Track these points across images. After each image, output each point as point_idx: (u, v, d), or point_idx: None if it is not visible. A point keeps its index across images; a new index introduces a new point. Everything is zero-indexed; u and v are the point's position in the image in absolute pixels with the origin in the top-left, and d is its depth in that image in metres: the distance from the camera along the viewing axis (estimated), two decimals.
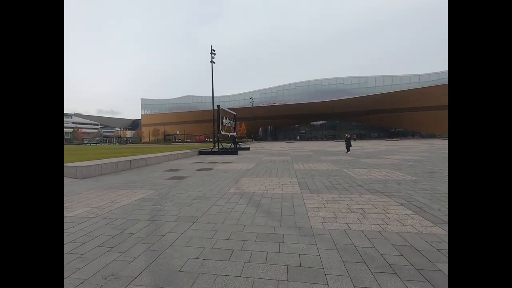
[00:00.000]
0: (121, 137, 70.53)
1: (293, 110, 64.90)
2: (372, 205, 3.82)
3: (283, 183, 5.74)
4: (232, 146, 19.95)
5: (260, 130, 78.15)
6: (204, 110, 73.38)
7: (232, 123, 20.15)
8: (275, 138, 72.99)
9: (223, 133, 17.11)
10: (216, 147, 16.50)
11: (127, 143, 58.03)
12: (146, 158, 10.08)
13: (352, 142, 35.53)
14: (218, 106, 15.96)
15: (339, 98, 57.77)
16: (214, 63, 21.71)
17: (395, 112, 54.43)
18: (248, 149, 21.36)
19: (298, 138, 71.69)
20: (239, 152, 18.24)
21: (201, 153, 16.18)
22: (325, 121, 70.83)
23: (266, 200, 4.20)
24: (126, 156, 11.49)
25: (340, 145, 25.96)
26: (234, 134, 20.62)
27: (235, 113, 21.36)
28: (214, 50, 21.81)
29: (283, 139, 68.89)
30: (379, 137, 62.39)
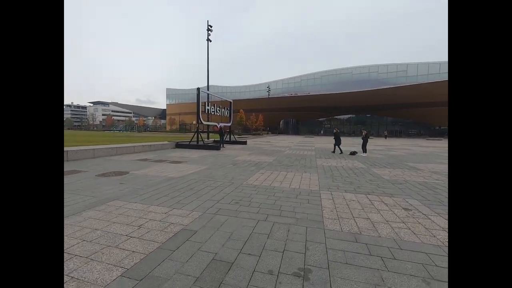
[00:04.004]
0: (139, 126, 72.59)
1: (316, 101, 59.00)
2: None
3: (152, 226, 2.51)
4: (236, 139, 16.95)
5: (281, 123, 73.78)
6: (223, 100, 71.52)
7: (225, 112, 17.05)
8: (297, 131, 67.94)
9: (205, 123, 14.14)
10: (196, 140, 13.55)
11: (145, 131, 59.11)
12: (67, 151, 7.61)
13: (382, 140, 29.74)
14: (198, 89, 12.92)
15: (371, 89, 50.41)
16: (211, 41, 18.63)
17: (439, 106, 45.32)
18: (245, 143, 18.15)
19: (322, 132, 65.58)
20: (227, 146, 15.17)
21: (178, 146, 13.49)
22: (354, 115, 63.41)
23: None
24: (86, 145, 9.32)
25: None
26: (227, 125, 17.54)
27: (231, 101, 18.19)
28: (211, 26, 18.69)
29: (305, 133, 63.67)
30: (418, 135, 53.36)
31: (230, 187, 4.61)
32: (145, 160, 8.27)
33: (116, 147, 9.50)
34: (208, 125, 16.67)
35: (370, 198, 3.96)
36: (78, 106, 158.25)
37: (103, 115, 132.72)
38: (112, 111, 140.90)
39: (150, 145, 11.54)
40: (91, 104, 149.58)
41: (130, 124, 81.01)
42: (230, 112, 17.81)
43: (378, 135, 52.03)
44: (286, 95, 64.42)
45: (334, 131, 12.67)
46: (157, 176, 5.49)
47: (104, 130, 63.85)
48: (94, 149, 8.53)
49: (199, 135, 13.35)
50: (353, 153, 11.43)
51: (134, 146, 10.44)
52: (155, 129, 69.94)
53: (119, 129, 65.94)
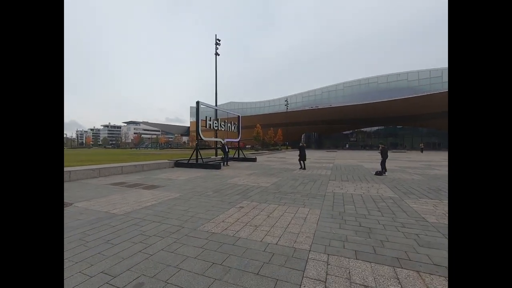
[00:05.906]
0: (161, 143, 75.65)
1: (339, 113, 55.62)
2: None
3: None
4: (244, 156, 15.54)
5: (302, 137, 70.91)
6: (229, 115, 71.50)
7: (232, 128, 15.81)
8: (319, 146, 64.41)
9: (206, 139, 12.94)
10: (196, 158, 12.28)
11: (167, 148, 61.07)
12: None
13: (418, 155, 25.74)
14: (197, 102, 11.90)
15: (400, 97, 46.03)
16: (219, 55, 18.06)
17: None
18: (254, 160, 16.54)
19: (347, 146, 61.17)
20: (233, 164, 13.67)
21: (177, 164, 12.37)
22: (383, 127, 58.29)
23: None
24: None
25: (394, 159, 17.97)
26: (234, 141, 16.19)
27: (239, 115, 16.98)
28: (219, 40, 18.24)
29: (329, 147, 59.92)
30: None
31: (170, 238, 2.98)
32: (120, 184, 7.09)
33: (99, 168, 8.58)
34: (215, 142, 15.56)
35: (403, 284, 2.00)
36: (114, 126, 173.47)
37: (134, 133, 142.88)
38: (143, 129, 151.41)
39: (143, 165, 10.54)
40: (125, 124, 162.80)
41: (155, 142, 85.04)
42: (238, 127, 16.53)
43: (413, 148, 46.59)
44: (306, 108, 62.19)
45: (300, 144, 11.86)
46: (96, 212, 4.11)
47: (131, 148, 67.77)
48: (70, 171, 7.65)
49: (199, 153, 12.09)
50: (379, 173, 9.06)
51: (122, 166, 9.48)
52: (178, 146, 72.21)
53: (144, 146, 69.53)
